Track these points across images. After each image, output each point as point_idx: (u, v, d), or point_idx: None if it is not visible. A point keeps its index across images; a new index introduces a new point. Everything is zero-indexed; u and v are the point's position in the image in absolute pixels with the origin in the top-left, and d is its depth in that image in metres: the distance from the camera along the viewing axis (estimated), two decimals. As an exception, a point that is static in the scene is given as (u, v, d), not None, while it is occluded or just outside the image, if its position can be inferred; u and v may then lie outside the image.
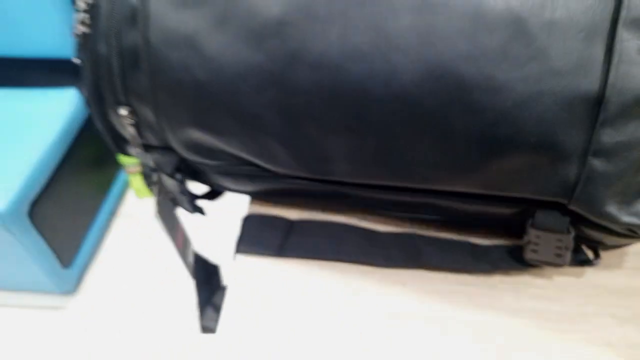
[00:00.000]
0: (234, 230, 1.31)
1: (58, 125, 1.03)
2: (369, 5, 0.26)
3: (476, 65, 0.25)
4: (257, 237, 0.38)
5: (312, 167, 0.31)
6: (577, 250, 0.33)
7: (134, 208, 1.38)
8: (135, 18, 0.30)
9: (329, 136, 0.29)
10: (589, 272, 0.35)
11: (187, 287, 1.21)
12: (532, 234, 0.31)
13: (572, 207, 0.29)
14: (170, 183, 0.37)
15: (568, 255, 0.32)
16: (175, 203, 0.40)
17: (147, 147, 0.36)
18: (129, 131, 0.34)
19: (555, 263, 0.32)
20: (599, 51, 0.24)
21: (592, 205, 0.28)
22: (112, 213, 1.34)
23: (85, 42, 0.32)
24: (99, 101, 0.33)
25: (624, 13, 0.24)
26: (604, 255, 0.36)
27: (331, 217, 0.39)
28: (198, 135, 0.32)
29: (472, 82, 0.26)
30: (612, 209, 0.28)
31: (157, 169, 0.37)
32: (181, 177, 0.36)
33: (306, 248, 0.36)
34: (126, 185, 1.40)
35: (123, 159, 1.29)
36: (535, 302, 0.34)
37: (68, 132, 1.05)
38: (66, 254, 1.10)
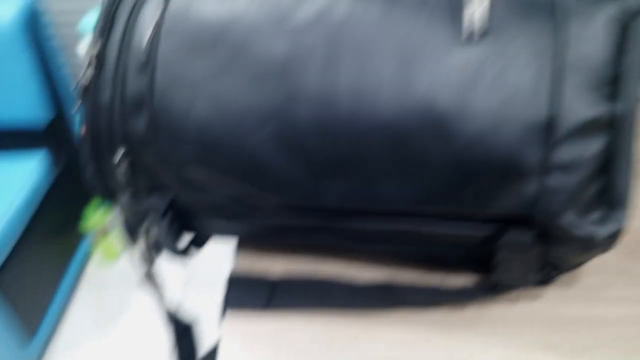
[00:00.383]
0: (218, 288, 1.29)
1: (24, 191, 1.02)
2: (358, 53, 0.31)
3: (451, 97, 0.30)
4: (244, 295, 0.39)
5: (307, 195, 0.34)
6: (538, 271, 0.37)
7: (98, 274, 1.35)
8: (144, 65, 0.33)
9: (324, 165, 0.33)
10: (551, 305, 0.39)
11: (155, 353, 1.18)
12: (502, 253, 0.35)
13: (536, 221, 0.32)
14: (159, 227, 0.38)
15: (533, 274, 0.35)
16: (160, 248, 0.41)
17: (136, 192, 0.38)
18: (122, 175, 0.36)
19: (522, 283, 0.36)
20: (548, 85, 0.30)
21: (552, 217, 0.32)
22: (76, 279, 1.30)
23: (88, 91, 0.35)
24: (95, 148, 0.36)
25: (566, 55, 0.30)
26: (562, 288, 0.39)
27: (315, 268, 0.41)
28: (197, 173, 0.35)
29: (448, 112, 0.30)
30: (570, 219, 0.32)
31: (146, 213, 0.38)
32: (171, 219, 0.38)
33: (293, 303, 0.38)
34: (90, 250, 1.37)
35: (88, 222, 1.28)
36: (508, 335, 0.37)
37: (34, 198, 1.04)
38: (31, 323, 1.06)
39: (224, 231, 0.40)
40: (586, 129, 0.30)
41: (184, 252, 0.41)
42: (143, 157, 0.35)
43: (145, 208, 0.38)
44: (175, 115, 0.33)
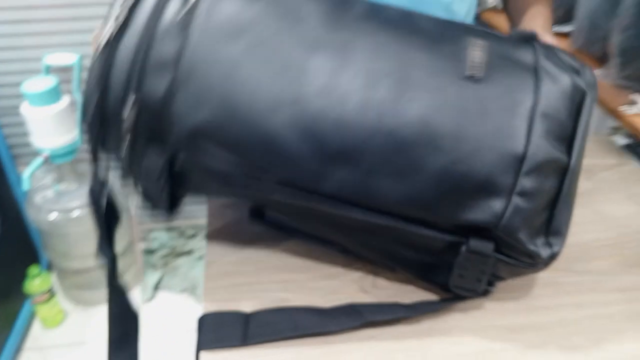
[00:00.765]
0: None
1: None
2: (374, 69, 0.37)
3: (447, 120, 0.37)
4: (218, 332, 0.42)
5: (310, 177, 0.38)
6: (487, 281, 0.42)
7: (40, 341, 1.29)
8: (179, 30, 0.37)
9: (333, 152, 0.37)
10: (492, 316, 0.44)
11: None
12: (463, 256, 0.40)
13: (498, 233, 0.38)
14: (151, 185, 0.40)
15: (485, 281, 0.41)
16: (152, 206, 0.43)
17: (135, 142, 0.39)
18: (127, 121, 0.38)
19: (473, 289, 0.42)
20: (524, 127, 0.37)
21: (511, 231, 0.38)
22: (18, 348, 1.24)
23: (109, 44, 0.38)
24: (104, 98, 0.38)
25: (537, 107, 0.37)
26: (501, 302, 0.45)
27: (282, 298, 0.45)
28: (209, 138, 0.38)
29: (443, 131, 0.37)
30: (524, 236, 0.38)
31: (137, 168, 0.40)
32: (166, 176, 0.40)
33: (267, 333, 0.41)
34: (31, 317, 1.31)
35: (30, 287, 1.23)
36: (457, 346, 0.42)
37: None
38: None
39: (214, 193, 0.43)
40: (546, 168, 0.38)
41: (172, 210, 0.43)
42: (154, 115, 0.38)
43: (140, 163, 0.40)
44: (202, 81, 0.37)
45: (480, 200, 0.38)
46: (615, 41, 0.68)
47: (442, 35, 0.39)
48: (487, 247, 0.39)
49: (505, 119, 0.37)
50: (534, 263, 0.40)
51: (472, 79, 0.38)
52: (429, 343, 0.42)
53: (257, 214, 0.48)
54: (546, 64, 0.39)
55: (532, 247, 0.39)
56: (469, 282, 0.42)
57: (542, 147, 0.37)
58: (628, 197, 0.58)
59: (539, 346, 0.42)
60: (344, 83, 0.37)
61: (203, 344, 0.41)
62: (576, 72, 0.40)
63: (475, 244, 0.39)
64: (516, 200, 0.37)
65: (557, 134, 0.38)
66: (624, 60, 0.68)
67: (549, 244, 0.40)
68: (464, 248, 0.40)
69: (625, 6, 0.66)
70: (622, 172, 0.62)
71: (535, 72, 0.39)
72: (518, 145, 0.37)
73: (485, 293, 0.44)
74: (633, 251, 0.51)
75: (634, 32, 0.67)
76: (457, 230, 0.40)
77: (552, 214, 0.39)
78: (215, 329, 0.42)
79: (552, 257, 0.40)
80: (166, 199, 0.42)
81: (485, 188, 0.37)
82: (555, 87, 0.38)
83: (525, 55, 0.40)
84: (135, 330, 0.47)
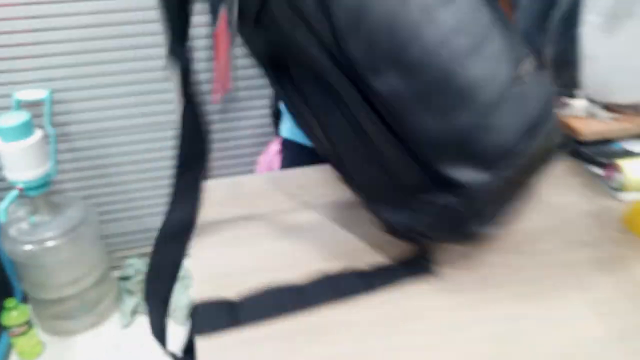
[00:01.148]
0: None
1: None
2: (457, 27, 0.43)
3: (493, 95, 0.43)
4: (210, 316, 0.46)
5: (370, 67, 0.43)
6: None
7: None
8: None
9: (400, 58, 0.42)
10: (451, 295, 0.50)
11: None
12: (442, 199, 0.46)
13: (472, 195, 0.45)
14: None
15: (446, 228, 0.48)
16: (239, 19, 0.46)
17: None
18: None
19: (440, 230, 0.49)
20: (527, 134, 0.44)
21: (482, 201, 0.45)
22: (-5, 383, 1.22)
23: None
24: None
25: (543, 126, 0.45)
26: (458, 283, 0.51)
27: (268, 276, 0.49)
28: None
29: (486, 100, 0.43)
30: (485, 209, 0.46)
31: None
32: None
33: (255, 313, 0.46)
34: (9, 350, 1.30)
35: (7, 319, 1.22)
36: (430, 319, 0.47)
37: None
38: None
39: (277, 38, 0.47)
40: (521, 172, 0.46)
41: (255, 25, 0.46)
42: None
43: None
44: None
45: (477, 166, 0.44)
46: (548, 54, 0.77)
47: (515, 36, 0.47)
48: (460, 200, 0.45)
49: (520, 120, 0.45)
50: (470, 234, 0.48)
51: (518, 80, 0.45)
52: (405, 321, 0.47)
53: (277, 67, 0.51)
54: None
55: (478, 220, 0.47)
56: (439, 225, 0.48)
57: (529, 156, 0.45)
58: (568, 188, 0.66)
59: (496, 317, 0.47)
60: (441, 16, 0.43)
61: (198, 329, 0.45)
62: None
63: (451, 199, 0.45)
64: (498, 181, 0.44)
65: (538, 157, 0.47)
66: (556, 70, 0.77)
67: (489, 226, 0.47)
68: (442, 200, 0.46)
69: (553, 22, 0.75)
70: (561, 166, 0.70)
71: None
72: (519, 144, 0.44)
73: (428, 270, 0.52)
74: (573, 232, 0.57)
75: (562, 46, 0.76)
76: (435, 179, 0.46)
77: (504, 207, 0.47)
78: (209, 314, 0.46)
79: (483, 235, 0.48)
80: (254, 13, 0.46)
81: (486, 159, 0.44)
82: (557, 124, 0.47)
83: (549, 88, 0.48)
84: (204, 149, 0.49)
